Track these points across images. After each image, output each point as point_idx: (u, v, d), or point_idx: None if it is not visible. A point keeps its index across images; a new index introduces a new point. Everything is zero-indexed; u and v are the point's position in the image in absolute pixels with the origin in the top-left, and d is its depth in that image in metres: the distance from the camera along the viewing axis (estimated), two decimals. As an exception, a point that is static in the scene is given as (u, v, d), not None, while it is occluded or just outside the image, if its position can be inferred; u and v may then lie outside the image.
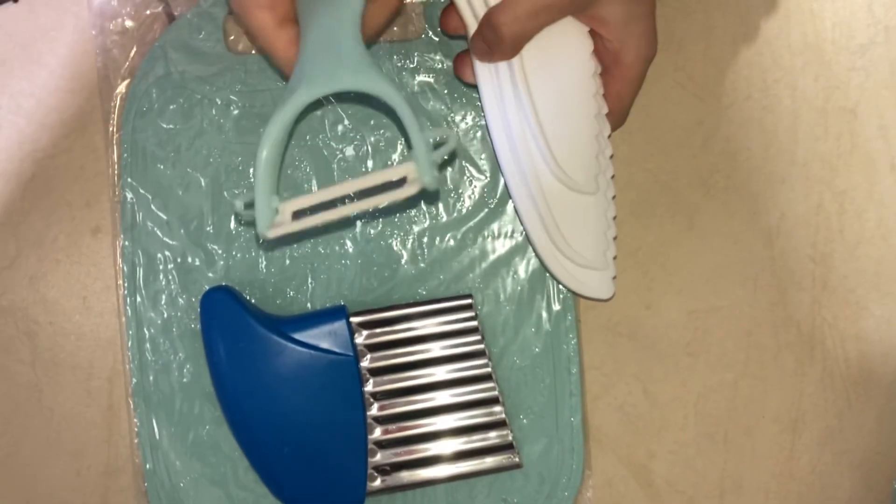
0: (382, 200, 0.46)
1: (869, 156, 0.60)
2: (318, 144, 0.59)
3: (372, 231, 0.59)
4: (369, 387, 0.57)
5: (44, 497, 0.60)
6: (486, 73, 0.54)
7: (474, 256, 0.59)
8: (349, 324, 0.56)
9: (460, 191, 0.59)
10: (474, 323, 0.58)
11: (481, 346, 0.57)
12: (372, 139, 0.59)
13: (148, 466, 0.58)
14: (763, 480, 0.60)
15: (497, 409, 0.58)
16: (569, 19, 0.53)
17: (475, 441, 0.58)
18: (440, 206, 0.59)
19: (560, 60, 0.53)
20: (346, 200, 0.47)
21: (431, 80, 0.59)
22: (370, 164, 0.59)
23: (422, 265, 0.59)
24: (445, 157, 0.46)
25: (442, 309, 0.58)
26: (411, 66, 0.59)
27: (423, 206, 0.59)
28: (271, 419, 0.55)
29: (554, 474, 0.59)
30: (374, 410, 0.57)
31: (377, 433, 0.57)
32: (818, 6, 0.60)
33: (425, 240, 0.59)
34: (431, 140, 0.45)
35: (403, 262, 0.59)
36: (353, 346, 0.56)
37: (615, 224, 0.56)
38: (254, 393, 0.55)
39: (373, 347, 0.57)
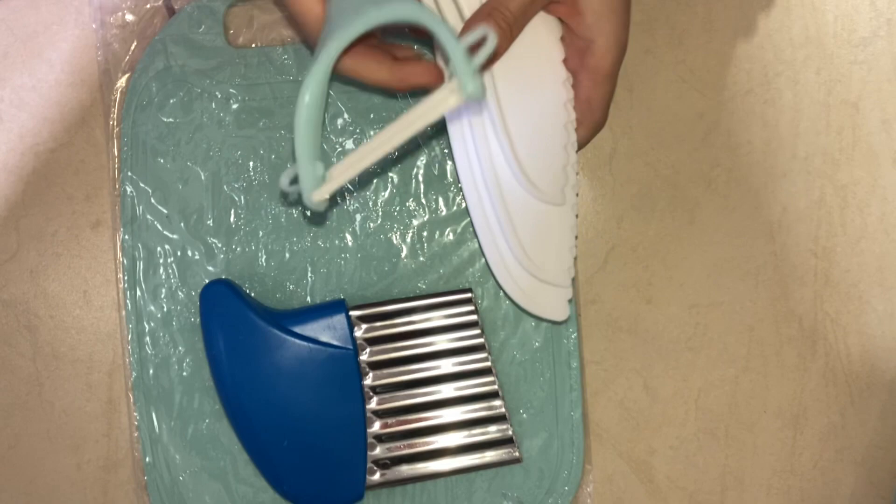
0: (426, 119, 0.46)
1: (871, 150, 0.59)
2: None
3: (371, 225, 0.59)
4: (369, 380, 0.57)
5: (44, 490, 0.60)
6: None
7: (474, 250, 0.59)
8: (348, 317, 0.56)
9: (460, 185, 0.59)
10: (474, 317, 0.57)
11: (481, 341, 0.57)
12: (371, 132, 0.59)
13: (148, 460, 0.58)
14: (764, 476, 0.59)
15: (497, 403, 0.57)
16: (540, 25, 0.52)
17: (475, 435, 0.57)
18: (440, 200, 0.59)
19: (530, 66, 0.53)
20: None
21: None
22: (370, 157, 0.59)
23: (421, 259, 0.59)
24: (485, 60, 0.45)
25: (442, 303, 0.58)
26: (411, 59, 0.59)
27: (422, 199, 0.59)
28: (270, 412, 0.55)
29: (554, 469, 0.58)
30: (373, 404, 0.57)
31: (376, 427, 0.57)
32: (820, 0, 0.60)
33: (425, 234, 0.59)
34: (467, 45, 0.44)
35: (403, 256, 0.59)
36: (353, 339, 0.56)
37: (576, 244, 0.56)
38: (253, 386, 0.55)
39: (372, 341, 0.57)
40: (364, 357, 0.57)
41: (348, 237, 0.59)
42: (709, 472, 0.59)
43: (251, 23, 0.59)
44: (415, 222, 0.59)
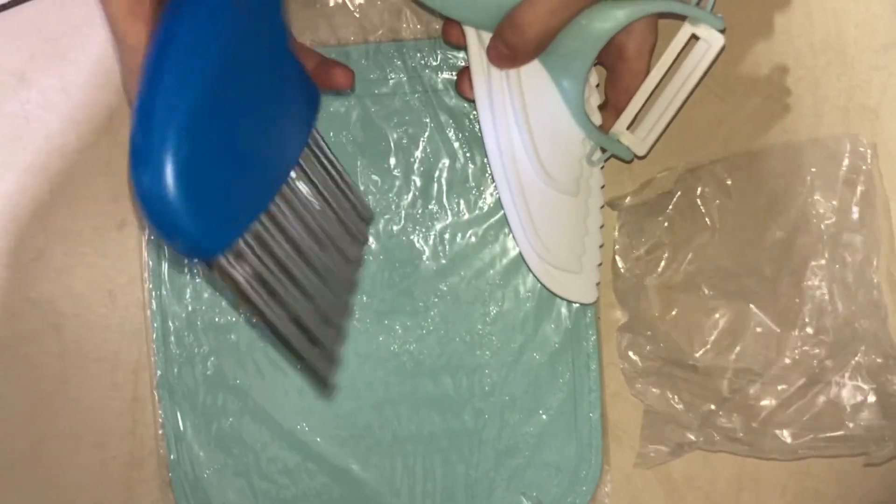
0: (700, 71, 0.54)
1: (890, 155, 0.59)
2: (342, 141, 0.60)
3: (394, 227, 0.59)
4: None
5: (69, 487, 0.61)
6: (480, 72, 0.54)
7: (496, 253, 0.59)
8: None
9: (482, 188, 0.59)
10: None
11: None
12: (394, 136, 0.59)
13: (172, 457, 0.59)
14: (781, 477, 0.60)
15: None
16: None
17: None
18: (461, 202, 0.59)
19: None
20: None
21: (454, 77, 0.59)
22: (392, 160, 0.59)
23: (443, 261, 0.59)
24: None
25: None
26: (434, 63, 0.59)
27: (444, 202, 0.59)
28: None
29: (572, 469, 0.59)
30: None
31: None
32: (841, 6, 0.60)
33: (447, 236, 0.59)
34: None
35: (425, 258, 0.59)
36: None
37: (601, 234, 0.57)
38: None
39: None
40: None
41: (371, 239, 0.59)
42: (725, 472, 0.60)
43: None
44: (437, 225, 0.59)
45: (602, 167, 0.57)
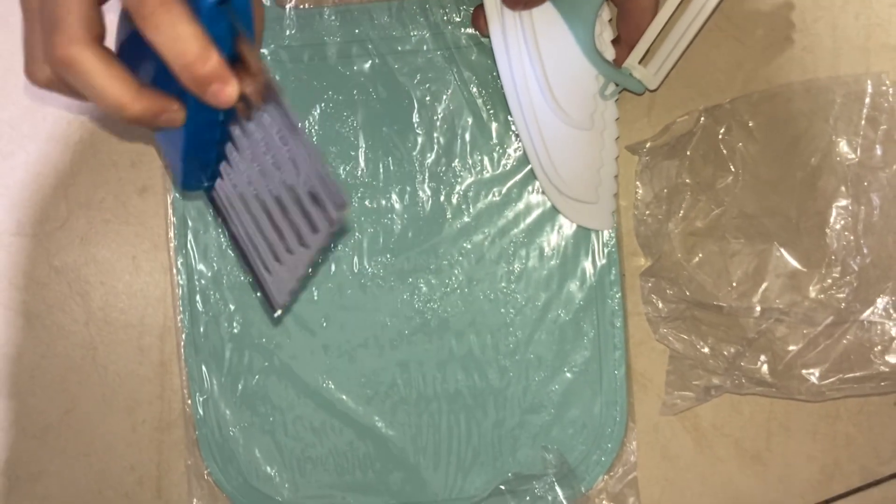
0: (706, 10, 0.54)
1: (912, 98, 0.59)
2: (365, 99, 0.60)
3: (418, 185, 0.59)
4: None
5: (102, 452, 0.61)
6: (494, 11, 0.55)
7: (519, 211, 0.60)
8: None
9: (505, 145, 0.59)
10: None
11: None
12: (417, 93, 0.60)
13: (199, 415, 0.59)
14: (810, 422, 0.60)
15: None
16: None
17: None
18: (485, 160, 0.59)
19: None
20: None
21: (477, 32, 0.59)
22: (416, 118, 0.60)
23: (466, 220, 0.60)
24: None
25: None
26: (458, 19, 0.59)
27: (468, 160, 0.60)
28: None
29: (598, 426, 0.59)
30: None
31: None
32: (859, -55, 0.59)
33: (470, 194, 0.60)
34: None
35: (448, 216, 0.60)
36: None
37: (616, 164, 0.58)
38: None
39: None
40: None
41: (395, 197, 0.59)
42: (754, 418, 0.60)
43: (299, -15, 0.60)
44: (460, 183, 0.60)
45: (616, 100, 0.58)
